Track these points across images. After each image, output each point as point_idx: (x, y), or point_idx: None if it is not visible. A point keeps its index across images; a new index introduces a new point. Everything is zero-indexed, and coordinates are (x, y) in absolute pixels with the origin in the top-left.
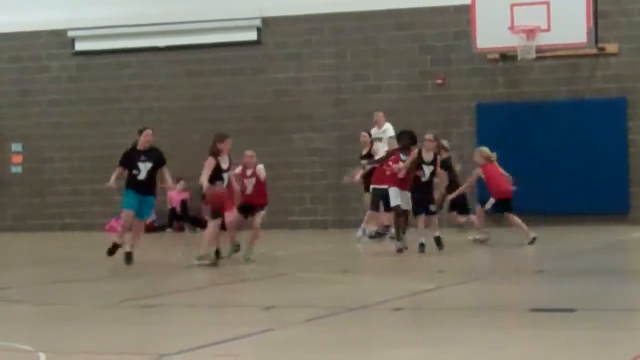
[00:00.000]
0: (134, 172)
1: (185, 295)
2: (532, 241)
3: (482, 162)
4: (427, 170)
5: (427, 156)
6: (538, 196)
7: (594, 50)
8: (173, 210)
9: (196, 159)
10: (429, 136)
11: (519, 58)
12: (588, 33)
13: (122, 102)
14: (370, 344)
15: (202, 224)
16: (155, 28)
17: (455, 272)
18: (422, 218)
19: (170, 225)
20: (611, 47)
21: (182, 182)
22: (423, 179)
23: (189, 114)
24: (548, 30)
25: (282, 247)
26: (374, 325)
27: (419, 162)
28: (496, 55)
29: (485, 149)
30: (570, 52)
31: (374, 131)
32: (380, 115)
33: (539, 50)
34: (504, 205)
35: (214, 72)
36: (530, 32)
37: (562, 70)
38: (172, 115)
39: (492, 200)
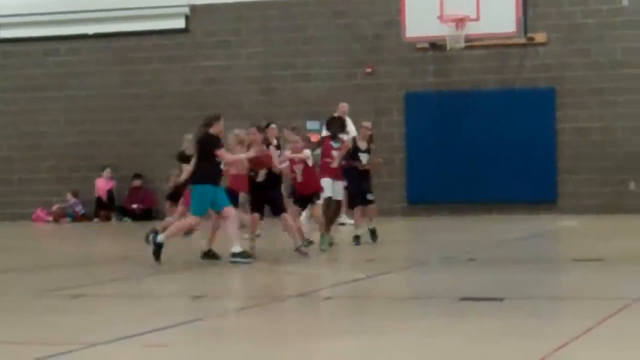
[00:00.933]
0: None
1: (115, 285)
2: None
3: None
4: (364, 158)
5: (362, 144)
6: (467, 185)
7: (523, 40)
8: (99, 199)
9: (123, 147)
10: (366, 124)
11: (448, 47)
12: (517, 22)
13: (49, 90)
14: (299, 333)
15: (129, 214)
16: (84, 15)
17: (386, 261)
18: (359, 209)
19: (97, 215)
20: (540, 37)
21: (108, 171)
22: (360, 168)
23: (117, 102)
24: (477, 19)
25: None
26: (303, 314)
27: (354, 151)
28: (425, 45)
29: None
30: (499, 42)
31: None
32: (345, 105)
33: (468, 39)
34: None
35: (142, 60)
36: (460, 22)
37: (491, 60)
38: (100, 103)
39: None
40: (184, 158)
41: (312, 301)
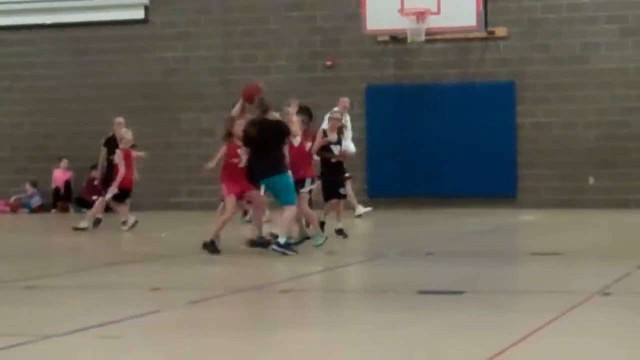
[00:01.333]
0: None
1: (70, 276)
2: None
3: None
4: (336, 150)
5: (332, 136)
6: (427, 179)
7: (484, 34)
8: (57, 190)
9: (80, 139)
10: (336, 115)
11: (408, 41)
12: (477, 16)
13: (3, 81)
14: (257, 326)
15: (87, 205)
16: (40, 5)
17: (345, 254)
18: (332, 203)
19: (54, 206)
20: (500, 31)
21: (65, 161)
22: (333, 160)
23: (74, 93)
24: (438, 13)
25: (168, 228)
26: (261, 307)
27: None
28: (386, 38)
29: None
30: (460, 36)
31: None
32: (346, 100)
33: (428, 33)
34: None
35: (100, 51)
36: (420, 15)
37: (451, 54)
38: (57, 93)
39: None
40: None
41: (269, 294)
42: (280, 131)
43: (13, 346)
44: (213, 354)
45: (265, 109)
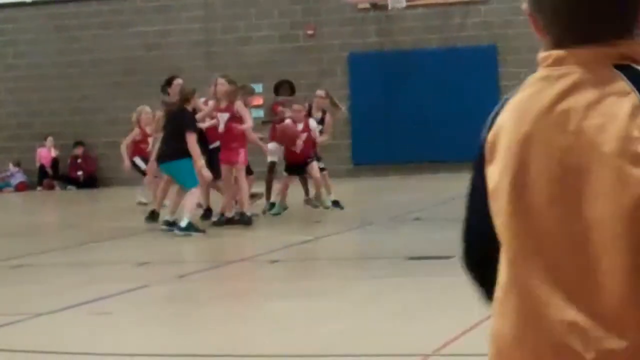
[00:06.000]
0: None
1: (57, 254)
2: None
3: None
4: (317, 129)
5: (317, 115)
6: (411, 145)
7: None
8: (42, 168)
9: (64, 115)
10: (320, 92)
11: (389, 7)
12: None
13: None
14: (246, 296)
15: (73, 182)
16: None
17: (332, 222)
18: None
19: (40, 184)
20: None
21: (50, 139)
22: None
23: (56, 70)
24: None
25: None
26: (250, 278)
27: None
28: (367, 5)
29: None
30: (441, 1)
31: None
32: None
33: None
34: None
35: (81, 27)
36: None
37: (432, 19)
38: (40, 71)
39: None
40: None
41: (258, 265)
42: (183, 121)
43: (4, 325)
44: (204, 326)
45: (184, 99)
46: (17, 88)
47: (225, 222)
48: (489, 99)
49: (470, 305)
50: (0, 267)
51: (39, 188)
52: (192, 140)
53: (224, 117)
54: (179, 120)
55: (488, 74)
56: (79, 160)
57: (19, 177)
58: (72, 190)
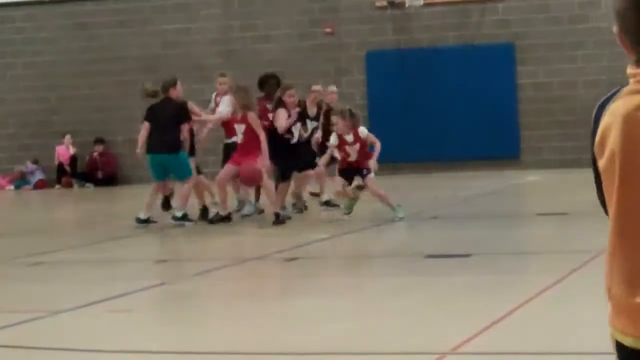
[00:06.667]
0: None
1: (76, 251)
2: None
3: None
4: (311, 126)
5: (312, 110)
6: (429, 143)
7: None
8: (61, 166)
9: (83, 113)
10: (316, 87)
11: (407, 5)
12: None
13: (5, 57)
14: (263, 294)
15: (92, 180)
16: None
17: (348, 221)
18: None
19: (58, 182)
20: None
21: (68, 137)
22: (305, 135)
23: (75, 68)
24: None
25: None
26: (267, 276)
27: (301, 118)
28: (384, 3)
29: None
30: None
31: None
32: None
33: None
34: None
35: (100, 25)
36: None
37: (450, 17)
38: (58, 69)
39: None
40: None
41: (275, 263)
42: (178, 114)
43: (24, 322)
44: (221, 324)
45: (166, 90)
46: (35, 86)
47: (220, 219)
48: (507, 97)
49: (488, 303)
50: (19, 265)
51: (57, 186)
52: (185, 130)
53: (240, 128)
54: (169, 112)
55: (506, 72)
56: (98, 158)
57: (38, 175)
58: (90, 188)
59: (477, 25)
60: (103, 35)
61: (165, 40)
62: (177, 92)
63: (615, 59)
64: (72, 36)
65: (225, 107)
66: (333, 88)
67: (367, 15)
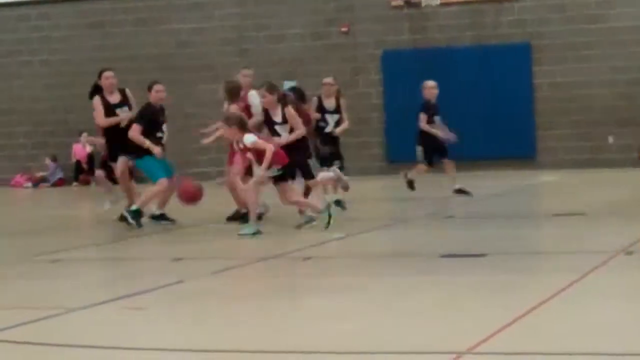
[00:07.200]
0: (159, 134)
1: (91, 249)
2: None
3: None
4: (331, 119)
5: (330, 103)
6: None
7: None
8: (78, 163)
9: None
10: (327, 79)
11: (423, 4)
12: None
13: (21, 55)
14: (279, 293)
15: (109, 177)
16: None
17: (366, 219)
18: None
19: (76, 179)
20: None
21: (84, 135)
22: (327, 130)
23: (90, 66)
24: None
25: None
26: (284, 274)
27: (320, 112)
28: (400, 2)
29: None
30: None
31: None
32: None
33: None
34: None
35: (115, 23)
36: None
37: (466, 16)
38: (74, 67)
39: None
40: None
41: (292, 261)
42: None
43: (38, 319)
44: (238, 323)
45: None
46: (51, 84)
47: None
48: (523, 97)
49: (504, 303)
50: (35, 262)
51: (74, 183)
52: (135, 130)
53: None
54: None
55: (521, 72)
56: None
57: (57, 174)
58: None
59: (493, 25)
60: (118, 34)
61: (179, 40)
62: (154, 96)
63: (631, 59)
64: (87, 35)
65: (255, 100)
66: (329, 80)
67: (383, 15)
